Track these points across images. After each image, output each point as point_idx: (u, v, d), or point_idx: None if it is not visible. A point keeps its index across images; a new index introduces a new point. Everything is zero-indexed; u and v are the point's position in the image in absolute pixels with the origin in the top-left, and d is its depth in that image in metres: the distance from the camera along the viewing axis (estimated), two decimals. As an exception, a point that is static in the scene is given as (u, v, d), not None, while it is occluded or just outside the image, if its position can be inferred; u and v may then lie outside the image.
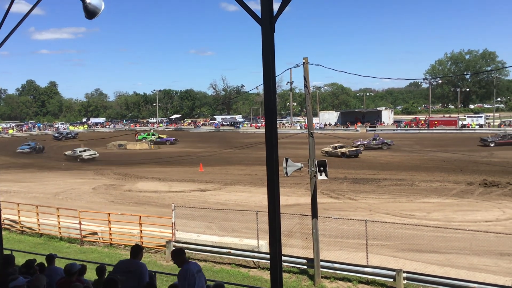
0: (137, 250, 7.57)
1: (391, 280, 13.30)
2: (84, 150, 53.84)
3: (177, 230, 17.76)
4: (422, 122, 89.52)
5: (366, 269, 13.86)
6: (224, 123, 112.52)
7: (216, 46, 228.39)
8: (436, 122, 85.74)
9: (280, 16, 6.11)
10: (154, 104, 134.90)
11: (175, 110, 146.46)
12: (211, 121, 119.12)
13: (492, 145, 53.98)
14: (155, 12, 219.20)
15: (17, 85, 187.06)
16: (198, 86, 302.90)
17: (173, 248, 7.43)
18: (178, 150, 60.57)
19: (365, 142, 56.14)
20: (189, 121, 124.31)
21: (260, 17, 6.03)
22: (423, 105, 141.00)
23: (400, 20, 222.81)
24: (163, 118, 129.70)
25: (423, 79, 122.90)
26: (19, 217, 21.84)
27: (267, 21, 5.98)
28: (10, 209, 21.08)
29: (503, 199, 25.22)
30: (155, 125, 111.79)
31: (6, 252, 10.58)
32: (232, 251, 16.15)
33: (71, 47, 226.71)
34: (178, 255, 7.13)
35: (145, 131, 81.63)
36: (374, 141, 55.83)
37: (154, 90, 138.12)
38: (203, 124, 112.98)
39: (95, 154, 53.81)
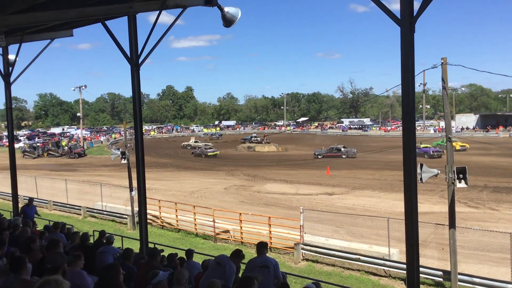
0: (265, 245, 7.82)
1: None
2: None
3: (305, 233, 17.84)
4: None
5: (510, 286, 12.70)
6: (351, 126, 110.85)
7: (344, 48, 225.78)
8: None
9: (421, 16, 5.86)
10: (281, 107, 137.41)
11: (302, 113, 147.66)
12: (338, 124, 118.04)
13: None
14: (283, 16, 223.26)
15: (158, 90, 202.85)
16: (325, 89, 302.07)
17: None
18: (304, 153, 60.90)
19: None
20: (316, 124, 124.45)
21: (399, 17, 5.84)
22: None
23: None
24: (290, 121, 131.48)
25: None
26: (160, 212, 23.64)
27: (406, 22, 5.77)
28: (152, 205, 22.82)
29: None
30: (283, 128, 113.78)
31: (149, 245, 11.53)
32: (362, 258, 15.80)
33: (206, 54, 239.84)
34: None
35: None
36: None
37: (282, 93, 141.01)
38: (330, 127, 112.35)
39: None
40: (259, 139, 75.96)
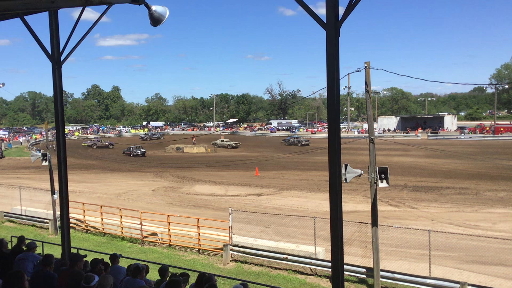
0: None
1: (455, 292, 12.76)
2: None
3: (234, 234, 17.85)
4: (487, 128, 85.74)
5: (428, 281, 13.37)
6: (280, 127, 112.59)
7: (273, 51, 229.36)
8: (502, 129, 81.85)
9: (345, 20, 6.02)
10: (211, 108, 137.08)
11: (232, 114, 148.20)
12: (267, 126, 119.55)
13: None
14: (213, 18, 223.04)
15: (82, 90, 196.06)
16: (254, 90, 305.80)
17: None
18: (234, 154, 61.12)
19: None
20: (245, 125, 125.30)
21: (325, 21, 5.97)
22: (488, 111, 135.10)
23: (463, 23, 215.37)
24: (219, 122, 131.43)
25: (489, 84, 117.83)
26: (84, 216, 22.73)
27: (331, 26, 5.90)
28: (76, 209, 21.92)
29: None
30: (212, 129, 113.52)
31: (72, 250, 11.03)
32: (289, 257, 16.04)
33: (134, 53, 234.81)
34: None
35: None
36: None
37: (211, 94, 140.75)
38: (259, 129, 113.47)
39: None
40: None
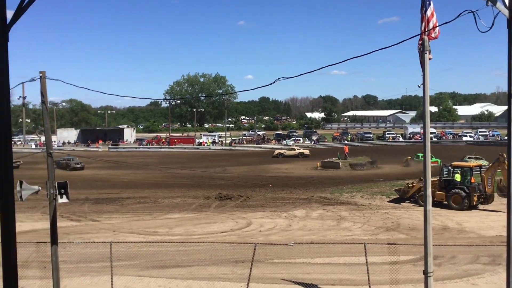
0: None
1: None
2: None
3: None
4: (163, 140, 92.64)
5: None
6: None
7: None
8: (176, 140, 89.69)
9: (15, 25, 5.53)
10: None
11: None
12: None
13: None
14: None
15: None
16: None
17: None
18: None
19: None
20: None
21: (-10, 23, 5.34)
22: (164, 124, 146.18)
23: (139, 40, 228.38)
24: None
25: (164, 99, 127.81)
26: None
27: (-1, 28, 5.32)
28: None
29: (235, 210, 27.79)
30: None
31: None
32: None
33: None
34: None
35: None
36: None
37: None
38: None
39: None
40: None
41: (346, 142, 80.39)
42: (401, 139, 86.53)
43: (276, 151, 65.64)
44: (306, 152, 64.10)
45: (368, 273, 12.99)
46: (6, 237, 5.67)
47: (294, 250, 17.29)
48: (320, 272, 15.38)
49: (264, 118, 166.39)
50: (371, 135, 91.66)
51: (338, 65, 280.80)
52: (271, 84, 11.06)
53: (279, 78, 10.72)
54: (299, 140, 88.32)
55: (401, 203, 28.28)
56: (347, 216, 25.36)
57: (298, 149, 65.97)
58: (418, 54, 10.37)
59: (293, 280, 14.91)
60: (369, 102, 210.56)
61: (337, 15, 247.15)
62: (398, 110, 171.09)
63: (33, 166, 49.14)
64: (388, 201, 29.19)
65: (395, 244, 14.83)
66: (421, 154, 54.24)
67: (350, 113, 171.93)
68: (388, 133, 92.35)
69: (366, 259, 13.14)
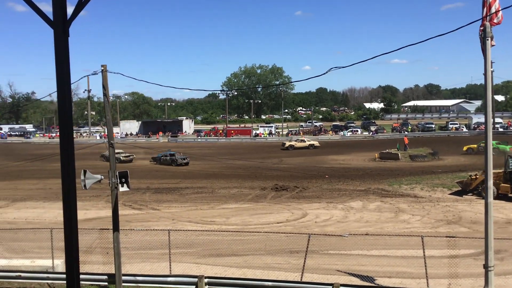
0: None
1: (194, 286, 13.56)
2: None
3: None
4: (220, 131, 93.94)
5: (169, 279, 13.89)
6: (12, 133, 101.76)
7: (2, 48, 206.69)
8: (233, 132, 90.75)
9: (75, 20, 5.78)
10: None
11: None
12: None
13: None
14: None
15: None
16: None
17: None
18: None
19: None
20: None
21: (52, 19, 5.62)
22: (221, 115, 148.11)
23: (198, 32, 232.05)
24: None
25: (220, 90, 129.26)
26: None
27: (59, 25, 5.59)
28: None
29: (291, 201, 27.82)
30: None
31: None
32: (23, 275, 14.61)
33: None
34: None
35: None
36: None
37: None
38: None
39: None
40: None
41: (406, 133, 78.10)
42: (464, 129, 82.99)
43: (287, 143, 65.69)
44: (316, 144, 65.46)
45: (425, 266, 12.68)
46: (68, 223, 5.98)
47: (350, 242, 17.14)
48: (376, 264, 15.17)
49: (322, 109, 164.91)
50: (433, 126, 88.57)
51: (398, 54, 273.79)
52: (323, 74, 10.97)
53: (331, 68, 10.62)
54: (357, 131, 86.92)
55: (464, 196, 27.23)
56: (406, 209, 24.77)
57: (308, 140, 66.66)
58: (479, 41, 9.95)
59: (348, 271, 14.80)
60: (431, 91, 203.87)
61: (396, 1, 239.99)
62: (462, 100, 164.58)
63: (98, 156, 51.44)
64: (450, 194, 28.19)
65: (454, 237, 14.32)
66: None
67: (411, 103, 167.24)
68: (451, 124, 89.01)
69: (424, 252, 12.82)
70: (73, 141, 6.07)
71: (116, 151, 52.75)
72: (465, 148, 51.14)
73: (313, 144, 64.45)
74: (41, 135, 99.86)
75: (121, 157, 48.72)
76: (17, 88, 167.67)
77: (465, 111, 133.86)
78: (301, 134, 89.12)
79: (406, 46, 9.01)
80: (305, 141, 65.53)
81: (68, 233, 5.94)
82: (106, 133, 14.98)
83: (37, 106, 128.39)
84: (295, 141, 66.94)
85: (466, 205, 25.21)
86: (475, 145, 49.33)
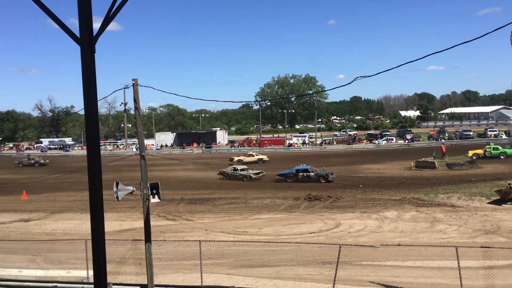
0: None
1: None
2: None
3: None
4: (254, 142, 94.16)
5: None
6: (51, 146, 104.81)
7: (42, 64, 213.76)
8: (266, 142, 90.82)
9: (101, 35, 5.93)
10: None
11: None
12: (37, 145, 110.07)
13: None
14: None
15: None
16: (21, 107, 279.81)
17: None
18: (2, 177, 54.63)
19: None
20: (11, 145, 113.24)
21: (78, 36, 5.78)
22: (255, 126, 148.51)
23: (231, 43, 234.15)
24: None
25: (254, 101, 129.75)
26: None
27: (86, 41, 5.75)
28: None
29: (324, 211, 27.55)
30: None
31: None
32: (59, 285, 14.95)
33: None
34: None
35: None
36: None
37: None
38: (27, 148, 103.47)
39: None
40: None
41: (443, 140, 76.33)
42: (504, 136, 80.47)
43: (236, 158, 63.64)
44: (265, 158, 63.76)
45: (460, 277, 12.32)
46: (95, 234, 6.09)
47: (383, 253, 16.84)
48: (410, 276, 14.82)
49: (356, 117, 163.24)
50: (471, 133, 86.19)
51: (435, 61, 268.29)
52: (349, 83, 10.81)
53: (357, 77, 10.47)
54: (392, 139, 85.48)
55: (503, 205, 26.36)
56: (442, 218, 24.16)
57: (256, 155, 65.23)
58: (511, 45, 9.68)
59: (381, 282, 14.52)
60: (469, 98, 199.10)
61: (432, 7, 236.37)
62: (502, 106, 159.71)
63: (133, 168, 52.21)
64: (488, 203, 27.34)
65: (490, 247, 13.86)
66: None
67: (448, 110, 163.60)
68: (490, 130, 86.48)
69: (458, 263, 12.45)
70: (100, 155, 6.21)
71: (243, 167, 50.72)
72: (470, 154, 50.02)
73: (262, 159, 63.18)
74: (80, 148, 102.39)
75: (251, 175, 44.73)
76: (57, 103, 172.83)
77: (504, 118, 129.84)
78: (335, 143, 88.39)
79: (431, 54, 8.74)
80: (253, 155, 64.42)
81: (95, 244, 6.05)
82: (138, 146, 15.21)
83: (76, 120, 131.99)
84: (244, 155, 65.44)
85: (505, 214, 24.40)
86: (481, 150, 48.51)
